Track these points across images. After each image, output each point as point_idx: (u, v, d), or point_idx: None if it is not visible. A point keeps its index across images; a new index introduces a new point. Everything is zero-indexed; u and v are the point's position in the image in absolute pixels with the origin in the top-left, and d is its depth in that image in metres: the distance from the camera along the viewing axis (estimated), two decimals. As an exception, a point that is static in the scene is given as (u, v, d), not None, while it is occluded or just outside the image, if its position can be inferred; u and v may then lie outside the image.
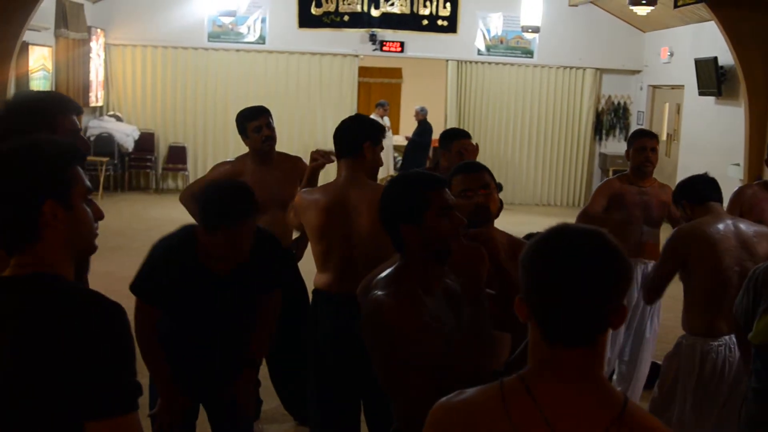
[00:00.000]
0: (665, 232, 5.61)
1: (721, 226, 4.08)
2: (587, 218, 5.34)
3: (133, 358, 1.90)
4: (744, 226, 4.16)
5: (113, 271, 8.65)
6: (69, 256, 2.00)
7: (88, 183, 2.05)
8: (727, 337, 4.04)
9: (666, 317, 7.76)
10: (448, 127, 15.46)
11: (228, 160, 5.38)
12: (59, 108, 2.82)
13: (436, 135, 15.97)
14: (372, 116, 15.72)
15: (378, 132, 4.10)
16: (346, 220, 3.95)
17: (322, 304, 4.08)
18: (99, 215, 2.08)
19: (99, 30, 14.39)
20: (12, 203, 1.93)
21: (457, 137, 5.21)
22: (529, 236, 3.23)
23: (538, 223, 8.36)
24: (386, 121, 15.75)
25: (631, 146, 5.50)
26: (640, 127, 5.81)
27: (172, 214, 10.18)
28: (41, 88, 11.60)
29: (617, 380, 5.69)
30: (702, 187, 4.27)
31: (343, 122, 4.15)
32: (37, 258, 1.94)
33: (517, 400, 1.66)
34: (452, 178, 3.31)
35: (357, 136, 4.02)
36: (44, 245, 1.94)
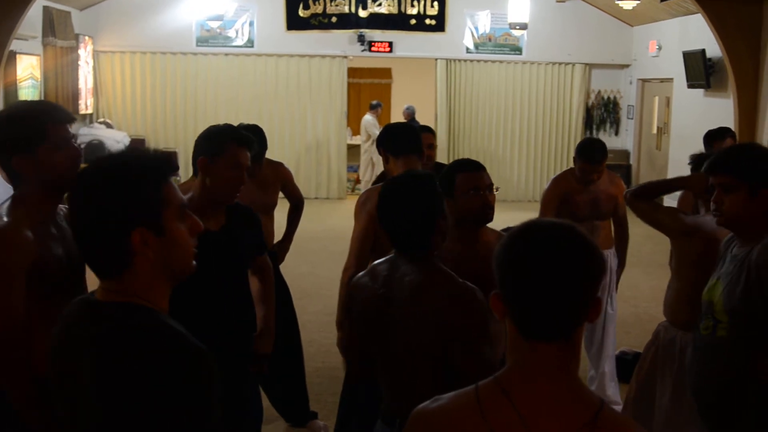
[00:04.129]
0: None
1: (712, 221, 4.00)
2: None
3: (212, 406, 1.77)
4: None
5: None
6: (163, 282, 1.89)
7: (182, 198, 1.93)
8: None
9: (651, 306, 7.81)
10: (439, 126, 15.50)
11: None
12: (48, 117, 2.79)
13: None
14: (367, 116, 15.88)
15: None
16: None
17: None
18: (197, 228, 1.96)
19: (87, 37, 14.36)
20: (99, 232, 1.83)
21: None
22: (506, 230, 3.36)
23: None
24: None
25: (576, 163, 5.49)
26: (589, 137, 5.66)
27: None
28: (30, 97, 11.58)
29: (590, 366, 5.75)
30: None
31: (399, 124, 4.50)
32: (128, 286, 1.85)
33: (494, 402, 1.66)
34: (455, 175, 3.50)
35: (418, 135, 4.28)
36: (135, 273, 1.84)
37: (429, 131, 5.47)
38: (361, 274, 2.98)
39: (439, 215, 2.80)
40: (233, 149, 3.48)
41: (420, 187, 2.84)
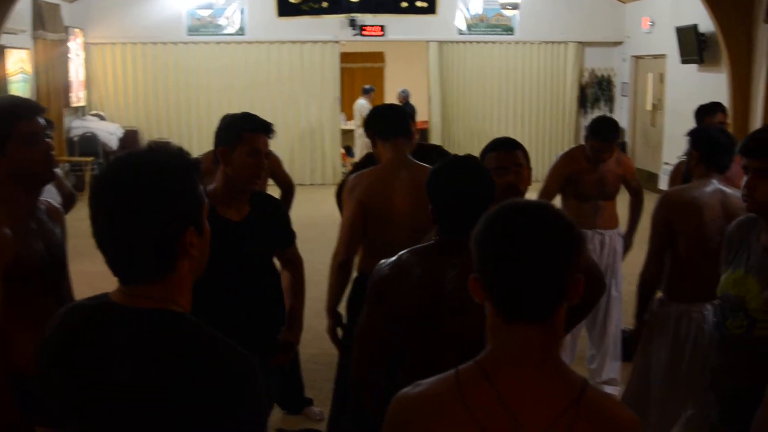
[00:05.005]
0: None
1: (708, 192, 3.93)
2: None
3: (265, 406, 1.70)
4: (732, 196, 3.90)
5: (102, 271, 8.61)
6: (191, 283, 1.79)
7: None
8: (704, 305, 3.94)
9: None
10: (433, 108, 15.46)
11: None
12: (15, 114, 2.73)
13: (420, 117, 16.01)
14: (361, 101, 15.83)
15: None
16: (388, 202, 4.01)
17: (359, 288, 4.10)
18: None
19: (77, 30, 14.30)
20: (153, 234, 1.69)
21: None
22: None
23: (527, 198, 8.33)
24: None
25: (587, 142, 5.39)
26: (601, 115, 5.51)
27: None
28: (21, 91, 11.54)
29: (589, 346, 5.76)
30: (726, 158, 3.97)
31: (387, 107, 4.44)
32: (164, 290, 1.72)
33: (474, 387, 1.64)
34: (486, 155, 3.44)
35: (407, 118, 4.20)
36: (175, 276, 1.73)
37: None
38: (388, 264, 2.82)
39: (494, 194, 2.81)
40: (250, 136, 3.49)
41: (479, 167, 2.82)
